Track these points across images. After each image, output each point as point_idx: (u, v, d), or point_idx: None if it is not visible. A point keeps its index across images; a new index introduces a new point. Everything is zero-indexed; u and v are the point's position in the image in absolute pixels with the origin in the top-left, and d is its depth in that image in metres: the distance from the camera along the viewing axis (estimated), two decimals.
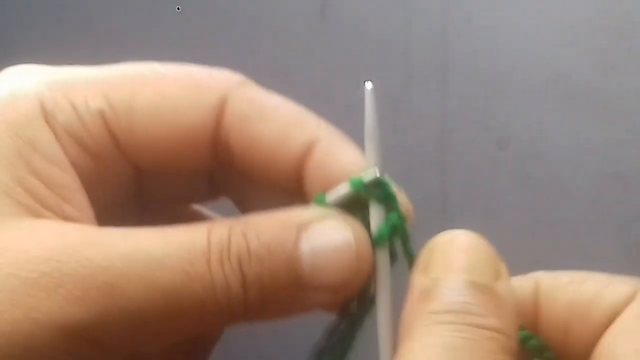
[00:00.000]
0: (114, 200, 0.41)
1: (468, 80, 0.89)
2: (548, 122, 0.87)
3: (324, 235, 0.36)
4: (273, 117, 0.39)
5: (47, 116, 0.37)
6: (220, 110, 0.39)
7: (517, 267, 0.88)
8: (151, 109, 0.39)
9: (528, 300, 0.36)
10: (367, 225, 0.38)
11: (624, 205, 0.84)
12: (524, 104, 0.87)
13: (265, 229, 0.36)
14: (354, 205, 0.38)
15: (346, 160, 0.39)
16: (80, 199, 0.37)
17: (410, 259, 0.38)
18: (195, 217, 0.45)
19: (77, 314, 0.32)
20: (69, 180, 0.37)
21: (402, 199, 0.40)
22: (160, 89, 0.39)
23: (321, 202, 0.38)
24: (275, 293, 0.35)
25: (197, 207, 0.46)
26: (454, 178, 0.88)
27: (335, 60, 0.92)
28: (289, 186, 0.40)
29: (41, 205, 0.36)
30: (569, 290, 0.35)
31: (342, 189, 0.38)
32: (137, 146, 0.39)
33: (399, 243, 0.39)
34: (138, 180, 0.42)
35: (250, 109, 0.39)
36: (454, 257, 0.35)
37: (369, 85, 0.39)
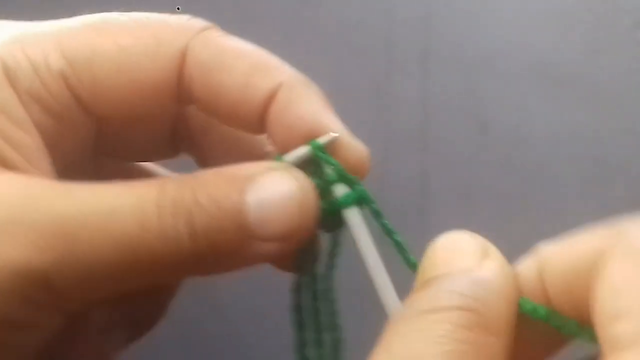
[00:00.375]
0: (73, 158, 0.41)
1: (450, 65, 0.89)
2: (530, 107, 0.87)
3: (269, 187, 0.37)
4: (235, 65, 0.40)
5: (9, 78, 0.38)
6: (181, 59, 0.40)
7: (500, 253, 0.88)
8: (111, 62, 0.39)
9: (534, 279, 0.35)
10: (326, 186, 0.39)
11: (607, 190, 0.84)
12: (506, 89, 0.87)
13: (213, 183, 0.37)
14: (314, 167, 0.39)
15: (307, 108, 0.40)
16: (43, 160, 0.38)
17: (387, 228, 0.39)
18: (150, 176, 0.47)
19: (36, 259, 0.34)
20: (32, 141, 0.38)
21: (358, 147, 0.40)
22: (119, 41, 0.40)
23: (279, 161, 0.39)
24: (223, 244, 0.36)
25: (153, 167, 0.47)
26: (436, 162, 0.87)
27: (318, 44, 0.92)
28: (254, 131, 0.41)
29: (4, 166, 0.37)
30: (564, 255, 0.34)
31: (301, 151, 0.39)
32: (99, 102, 0.40)
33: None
34: (99, 136, 0.42)
35: (211, 57, 0.40)
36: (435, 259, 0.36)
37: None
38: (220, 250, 0.37)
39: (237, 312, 0.93)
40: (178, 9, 0.94)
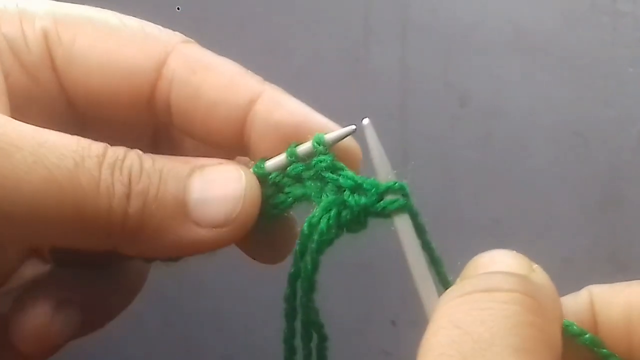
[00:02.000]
0: (46, 125, 0.40)
1: (429, 36, 0.88)
2: (509, 79, 0.86)
3: (215, 176, 0.38)
4: (218, 70, 0.41)
5: None
6: (162, 62, 0.40)
7: (476, 225, 0.88)
8: (94, 44, 0.40)
9: (584, 312, 0.35)
10: (309, 192, 0.39)
11: (584, 162, 0.84)
12: (485, 61, 0.87)
13: (163, 158, 0.38)
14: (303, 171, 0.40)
15: (291, 107, 0.40)
16: (1, 106, 0.38)
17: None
18: None
19: None
20: None
21: (351, 143, 0.40)
22: (106, 31, 0.40)
23: (260, 167, 0.40)
24: (157, 213, 0.36)
25: None
26: (414, 135, 0.87)
27: (295, 15, 0.90)
28: (229, 141, 0.41)
29: None
30: (624, 294, 0.34)
31: (281, 157, 0.40)
32: (74, 77, 0.40)
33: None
34: (78, 122, 0.42)
35: (195, 62, 0.41)
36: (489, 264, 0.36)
37: (366, 121, 0.39)
38: (154, 221, 0.36)
39: (217, 290, 0.93)
40: (178, 9, 0.94)
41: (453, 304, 0.31)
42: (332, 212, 0.38)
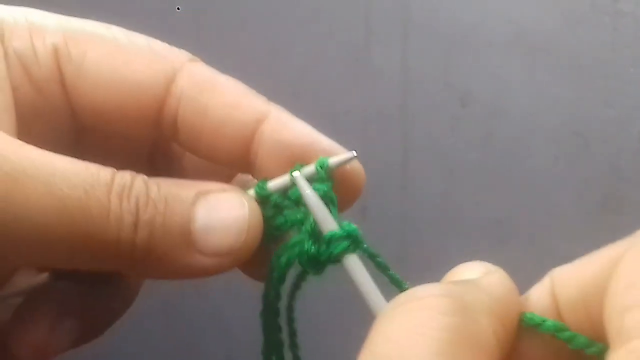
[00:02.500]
0: (50, 141, 0.41)
1: (429, 37, 0.88)
2: (510, 79, 0.86)
3: (219, 204, 0.38)
4: (225, 89, 0.41)
5: (3, 36, 0.39)
6: (170, 80, 0.41)
7: (476, 225, 0.88)
8: (103, 61, 0.40)
9: (547, 297, 0.34)
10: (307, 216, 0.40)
11: (586, 162, 0.84)
12: (486, 61, 0.87)
13: (167, 184, 0.38)
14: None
15: (298, 128, 0.41)
16: (8, 120, 0.38)
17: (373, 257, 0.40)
18: None
19: None
20: (3, 98, 0.38)
21: (356, 166, 0.41)
22: (115, 48, 0.41)
23: (262, 187, 0.40)
24: (163, 241, 0.37)
25: None
26: (415, 135, 0.87)
27: (297, 15, 0.90)
28: (234, 160, 0.41)
29: None
30: (577, 269, 0.33)
31: (285, 178, 0.40)
32: (82, 92, 0.40)
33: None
34: (79, 134, 0.42)
35: (203, 81, 0.41)
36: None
37: (296, 173, 0.40)
38: (159, 248, 0.37)
39: (218, 292, 0.93)
40: (178, 9, 0.94)
41: (374, 328, 0.31)
42: (295, 251, 0.39)
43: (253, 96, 0.41)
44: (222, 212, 0.38)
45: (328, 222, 0.39)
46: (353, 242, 0.39)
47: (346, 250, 0.38)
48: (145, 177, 0.38)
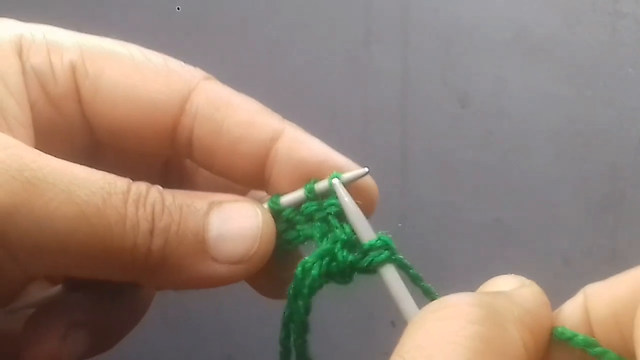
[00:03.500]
0: (66, 156, 0.41)
1: (429, 36, 0.88)
2: (510, 79, 0.86)
3: (233, 213, 0.39)
4: (240, 107, 0.42)
5: (21, 52, 0.39)
6: (185, 98, 0.41)
7: (477, 225, 0.88)
8: (120, 79, 0.41)
9: (579, 313, 0.34)
10: (322, 230, 0.40)
11: (585, 163, 0.84)
12: (485, 61, 0.87)
13: (183, 194, 0.39)
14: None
15: (313, 146, 0.41)
16: (26, 135, 0.39)
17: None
18: None
19: None
20: (22, 114, 0.39)
21: (369, 182, 0.42)
22: (131, 66, 0.42)
23: (275, 202, 0.41)
24: (178, 249, 0.37)
25: None
26: (415, 135, 0.87)
27: (296, 14, 0.90)
28: (248, 177, 0.42)
29: None
30: (610, 287, 0.33)
31: (297, 194, 0.41)
32: (99, 109, 0.41)
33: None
34: (94, 149, 0.43)
35: (218, 99, 0.42)
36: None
37: (336, 181, 0.41)
38: (174, 256, 0.37)
39: (217, 291, 0.92)
40: (178, 9, 0.94)
41: (404, 335, 0.31)
42: (325, 261, 0.39)
43: (268, 114, 0.42)
44: (236, 220, 0.39)
45: (367, 231, 0.40)
46: (391, 252, 0.39)
47: (386, 260, 0.39)
48: (160, 187, 0.38)
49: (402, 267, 0.40)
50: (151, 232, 0.37)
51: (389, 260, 0.39)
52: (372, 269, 0.39)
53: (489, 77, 0.87)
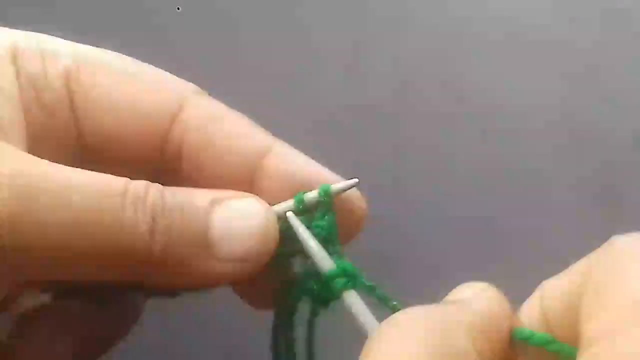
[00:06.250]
0: (57, 161, 0.41)
1: (424, 34, 0.88)
2: (506, 76, 0.86)
3: (236, 209, 0.39)
4: (230, 121, 0.42)
5: (15, 58, 0.39)
6: (176, 110, 0.42)
7: (473, 224, 0.88)
8: (112, 88, 0.41)
9: (537, 310, 0.34)
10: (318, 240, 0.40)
11: (581, 160, 0.84)
12: (481, 58, 0.87)
13: (183, 192, 0.38)
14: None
15: (302, 162, 0.42)
16: (19, 140, 0.38)
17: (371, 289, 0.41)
18: None
19: None
20: (16, 119, 0.39)
21: (355, 195, 0.42)
22: (124, 77, 0.42)
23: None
24: (180, 249, 0.37)
25: None
26: (411, 132, 0.87)
27: (289, 13, 0.91)
28: (237, 190, 0.41)
29: None
30: (563, 280, 0.34)
31: (289, 203, 0.41)
32: (91, 117, 0.41)
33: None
34: (85, 155, 0.43)
35: (208, 113, 0.42)
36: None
37: (290, 213, 0.41)
38: (176, 255, 0.37)
39: (217, 290, 0.93)
40: (178, 9, 0.94)
41: (364, 349, 0.31)
42: (302, 287, 0.41)
43: (257, 129, 0.42)
44: (239, 217, 0.39)
45: (324, 261, 0.40)
46: (350, 278, 0.39)
47: (344, 287, 0.39)
48: (159, 185, 0.38)
49: (366, 290, 0.40)
50: (151, 232, 0.36)
51: (347, 287, 0.39)
52: (335, 297, 0.40)
53: (486, 74, 0.87)
